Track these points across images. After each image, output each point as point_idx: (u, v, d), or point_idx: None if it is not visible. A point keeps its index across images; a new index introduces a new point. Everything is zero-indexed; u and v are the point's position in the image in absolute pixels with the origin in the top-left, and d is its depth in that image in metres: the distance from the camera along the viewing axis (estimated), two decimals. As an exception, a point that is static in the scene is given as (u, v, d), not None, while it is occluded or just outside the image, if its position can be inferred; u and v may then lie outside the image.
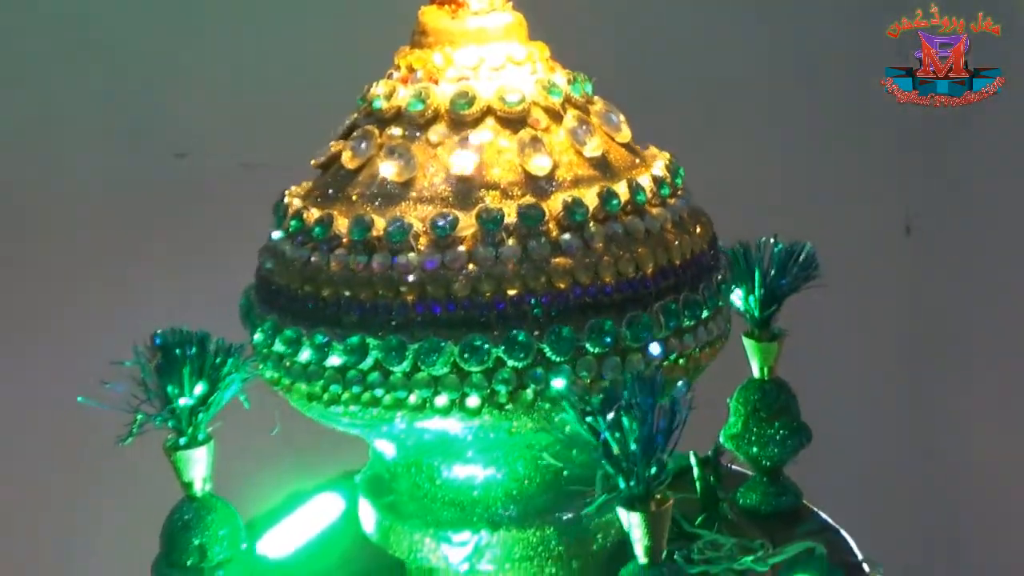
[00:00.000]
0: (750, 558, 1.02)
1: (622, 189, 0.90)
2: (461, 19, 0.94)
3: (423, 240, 0.86)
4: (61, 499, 1.79)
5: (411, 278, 0.85)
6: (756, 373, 1.12)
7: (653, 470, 0.78)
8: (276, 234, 0.96)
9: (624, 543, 0.98)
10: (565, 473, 0.95)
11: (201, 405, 0.93)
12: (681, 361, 0.90)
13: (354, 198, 0.91)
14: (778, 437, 1.12)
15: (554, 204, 0.87)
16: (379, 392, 0.86)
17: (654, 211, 0.91)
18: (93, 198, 1.75)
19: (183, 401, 0.92)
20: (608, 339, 0.85)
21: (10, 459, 1.76)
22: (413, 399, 0.86)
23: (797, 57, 1.74)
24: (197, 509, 0.96)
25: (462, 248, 0.85)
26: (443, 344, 0.84)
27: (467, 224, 0.86)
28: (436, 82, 0.93)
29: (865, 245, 1.79)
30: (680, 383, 0.82)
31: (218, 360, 0.93)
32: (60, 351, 1.76)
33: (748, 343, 1.11)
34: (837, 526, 1.13)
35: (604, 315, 0.85)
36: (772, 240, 1.09)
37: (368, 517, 1.02)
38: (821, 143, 1.77)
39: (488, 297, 0.84)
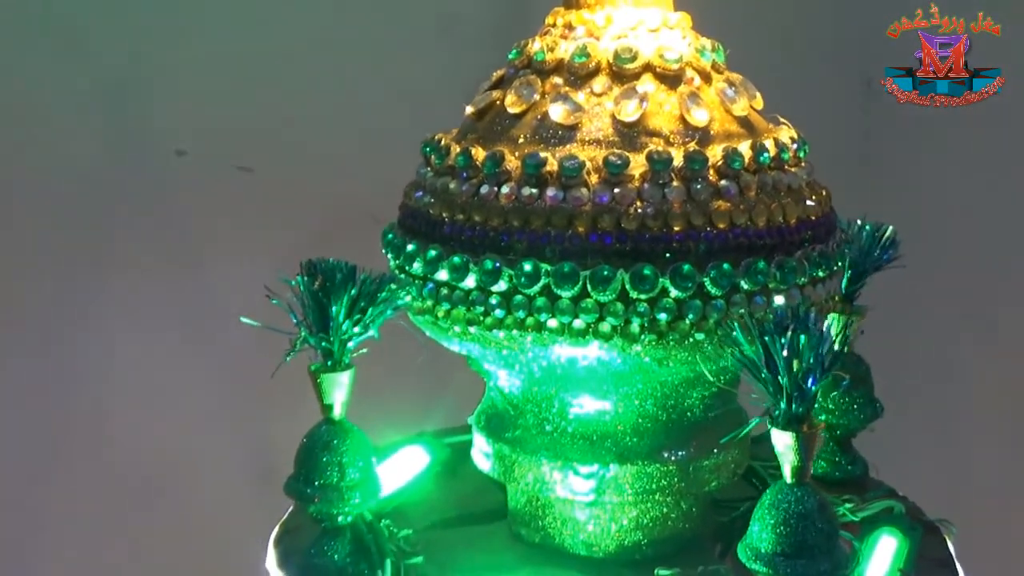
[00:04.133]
0: (847, 506, 1.09)
1: (770, 145, 0.97)
2: (621, -16, 1.01)
3: (594, 177, 0.92)
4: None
5: (584, 210, 0.91)
6: (837, 346, 1.20)
7: (814, 391, 0.84)
8: (428, 171, 1.01)
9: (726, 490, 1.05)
10: (688, 414, 1.02)
11: (355, 328, 0.98)
12: (812, 309, 0.97)
13: (520, 139, 0.97)
14: (855, 406, 1.19)
15: (714, 153, 0.94)
16: (544, 317, 0.92)
17: (793, 169, 0.99)
18: (91, 192, 1.77)
19: (340, 321, 0.96)
20: (761, 277, 0.92)
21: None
22: (578, 324, 0.91)
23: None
24: (336, 431, 1.00)
25: (631, 186, 0.92)
26: (615, 272, 0.89)
27: (637, 164, 0.92)
28: (597, 39, 0.99)
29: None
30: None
31: (372, 287, 0.98)
32: (35, 350, 1.78)
33: (833, 316, 1.19)
34: (903, 494, 1.20)
35: (756, 256, 0.92)
36: (860, 221, 1.17)
37: (485, 454, 1.06)
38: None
39: (655, 232, 0.91)
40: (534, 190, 0.93)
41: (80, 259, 1.79)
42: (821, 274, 0.97)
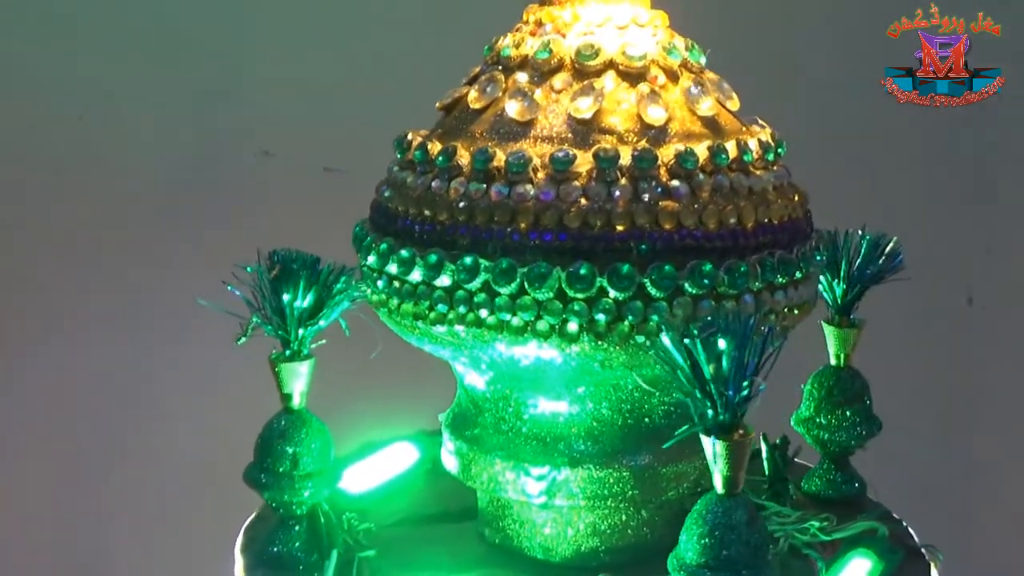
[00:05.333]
0: (816, 524, 1.05)
1: (731, 146, 0.94)
2: (592, -20, 0.99)
3: (541, 174, 0.91)
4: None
5: (527, 207, 0.90)
6: (832, 360, 1.16)
7: (741, 397, 0.82)
8: (396, 166, 1.02)
9: (695, 498, 1.02)
10: (646, 420, 0.99)
11: (310, 318, 0.99)
12: (772, 317, 0.94)
13: (477, 134, 0.96)
14: (848, 423, 1.15)
15: (667, 152, 0.92)
16: (484, 313, 0.91)
17: (758, 172, 0.96)
18: (179, 190, 1.82)
19: (295, 310, 0.97)
20: (706, 281, 0.89)
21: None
22: (516, 321, 0.90)
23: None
24: (293, 420, 1.01)
25: (577, 183, 0.90)
26: (551, 270, 0.88)
27: (584, 161, 0.91)
28: (563, 35, 0.98)
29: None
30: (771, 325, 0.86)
31: (330, 279, 0.99)
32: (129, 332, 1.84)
33: (828, 329, 1.15)
34: (898, 516, 1.15)
35: (705, 258, 0.90)
36: (860, 231, 1.13)
37: (450, 453, 1.06)
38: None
39: (597, 230, 0.89)
40: (482, 185, 0.92)
41: (162, 256, 1.85)
42: (781, 280, 0.94)
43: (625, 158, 0.91)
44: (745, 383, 0.80)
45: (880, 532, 1.08)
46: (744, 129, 1.00)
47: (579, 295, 0.89)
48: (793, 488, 1.17)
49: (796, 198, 0.99)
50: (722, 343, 0.80)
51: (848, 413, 1.15)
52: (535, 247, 0.89)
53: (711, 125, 0.97)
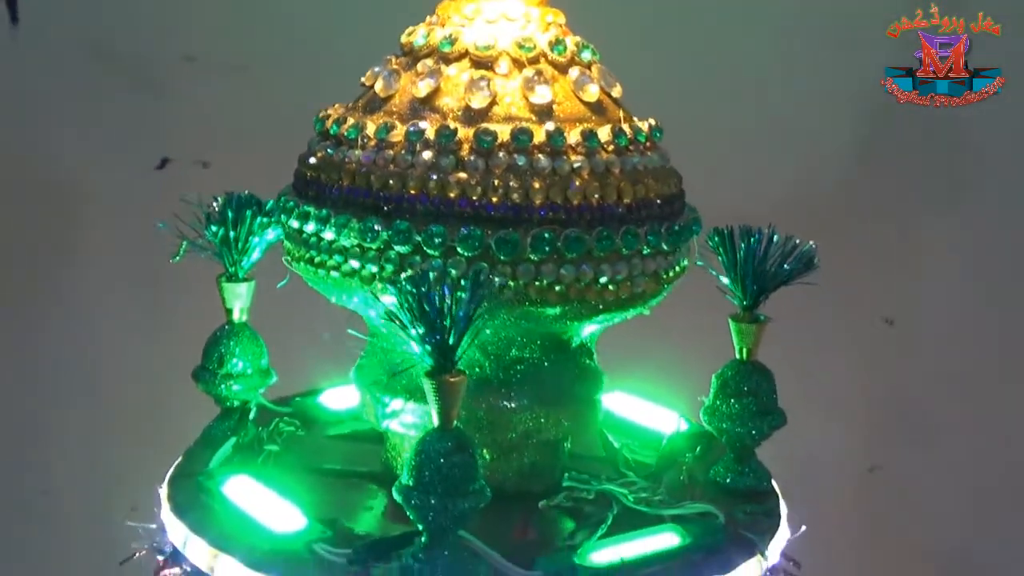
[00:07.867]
0: (632, 496, 1.12)
1: (540, 131, 1.04)
2: (481, -22, 1.13)
3: (372, 142, 1.07)
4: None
5: (350, 168, 1.07)
6: (736, 355, 1.19)
7: (445, 343, 0.94)
8: None
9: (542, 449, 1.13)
10: (477, 369, 1.11)
11: (238, 246, 1.21)
12: (558, 288, 1.03)
13: (358, 106, 1.14)
14: (741, 415, 1.18)
15: (468, 132, 1.04)
16: (314, 253, 1.09)
17: (572, 157, 1.05)
18: None
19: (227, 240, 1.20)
20: (475, 244, 1.01)
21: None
22: (331, 262, 1.08)
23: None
24: (229, 330, 1.24)
25: (391, 152, 1.06)
26: (351, 221, 1.04)
27: (399, 134, 1.06)
28: (443, 26, 1.12)
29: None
30: (497, 280, 0.96)
31: (255, 218, 1.20)
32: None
33: (731, 323, 1.18)
34: (784, 518, 1.17)
35: (479, 226, 1.01)
36: (767, 229, 1.16)
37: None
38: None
39: (392, 192, 1.04)
40: (332, 149, 1.10)
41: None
42: (569, 255, 1.02)
43: (430, 133, 1.04)
44: (438, 331, 0.92)
45: (718, 520, 1.11)
46: (590, 117, 1.08)
47: (370, 245, 1.04)
48: (686, 472, 1.21)
49: (623, 184, 1.06)
50: (412, 296, 0.92)
51: (738, 405, 1.18)
52: (349, 201, 1.06)
53: (541, 112, 1.07)
